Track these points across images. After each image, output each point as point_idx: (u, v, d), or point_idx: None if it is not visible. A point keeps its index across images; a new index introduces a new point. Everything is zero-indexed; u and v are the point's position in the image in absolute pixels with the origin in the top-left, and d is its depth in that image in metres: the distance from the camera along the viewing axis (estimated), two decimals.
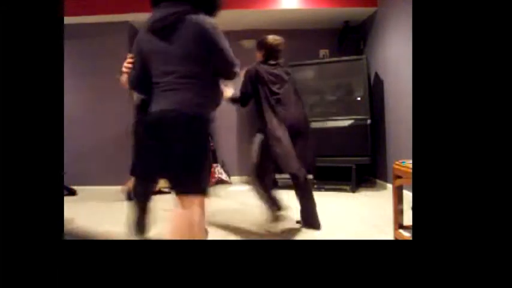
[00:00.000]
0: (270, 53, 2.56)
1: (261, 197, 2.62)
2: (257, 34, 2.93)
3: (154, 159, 1.66)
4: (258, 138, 2.55)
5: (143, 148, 1.87)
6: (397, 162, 2.17)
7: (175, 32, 1.51)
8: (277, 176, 3.32)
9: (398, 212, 2.17)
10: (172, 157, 1.53)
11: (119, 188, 4.43)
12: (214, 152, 4.67)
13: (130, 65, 1.70)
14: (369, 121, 3.97)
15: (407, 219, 2.13)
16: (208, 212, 3.14)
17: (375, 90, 4.34)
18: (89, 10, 4.22)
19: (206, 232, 2.26)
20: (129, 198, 3.39)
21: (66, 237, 1.11)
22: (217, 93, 1.71)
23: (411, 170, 1.89)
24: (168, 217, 1.60)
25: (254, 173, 2.58)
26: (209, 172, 1.81)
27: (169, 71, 1.54)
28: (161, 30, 1.52)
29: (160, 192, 3.79)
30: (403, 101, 3.55)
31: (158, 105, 1.56)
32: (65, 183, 4.12)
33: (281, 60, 2.62)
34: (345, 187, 3.98)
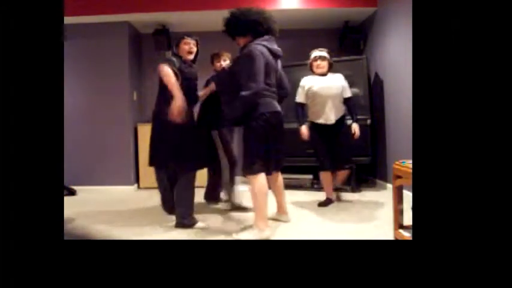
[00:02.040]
0: None
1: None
2: None
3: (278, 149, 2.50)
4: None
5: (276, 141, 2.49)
6: (397, 162, 2.17)
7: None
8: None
9: (398, 212, 2.17)
10: (281, 145, 2.51)
11: (118, 188, 4.45)
12: None
13: None
14: (368, 121, 3.97)
15: (407, 219, 2.13)
16: (207, 212, 3.16)
17: (375, 90, 4.34)
18: (89, 10, 4.22)
19: None
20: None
21: (66, 237, 1.10)
22: None
23: (411, 170, 1.89)
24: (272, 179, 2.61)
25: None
26: None
27: (275, 84, 2.46)
28: (279, 55, 2.46)
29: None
30: (403, 101, 3.55)
31: (276, 107, 2.40)
32: (65, 183, 4.11)
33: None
34: (345, 187, 3.98)
